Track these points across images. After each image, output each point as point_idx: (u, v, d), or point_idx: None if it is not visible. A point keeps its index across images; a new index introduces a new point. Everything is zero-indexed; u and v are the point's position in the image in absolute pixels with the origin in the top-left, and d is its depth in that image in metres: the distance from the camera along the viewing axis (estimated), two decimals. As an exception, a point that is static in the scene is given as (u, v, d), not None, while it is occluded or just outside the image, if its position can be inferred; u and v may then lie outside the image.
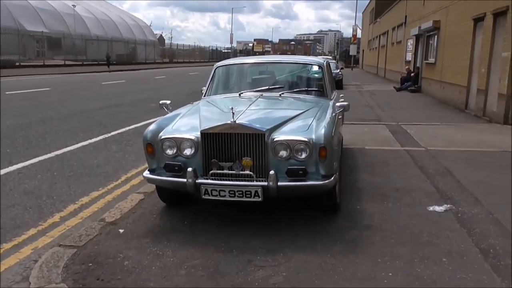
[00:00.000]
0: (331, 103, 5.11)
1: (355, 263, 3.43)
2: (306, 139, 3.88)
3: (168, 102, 5.09)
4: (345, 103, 4.85)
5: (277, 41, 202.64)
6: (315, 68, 5.65)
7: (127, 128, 9.67)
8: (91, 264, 3.44)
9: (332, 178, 3.95)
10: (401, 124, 10.57)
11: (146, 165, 6.92)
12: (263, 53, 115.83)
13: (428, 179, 5.78)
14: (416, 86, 20.07)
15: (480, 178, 5.80)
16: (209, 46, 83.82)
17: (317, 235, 3.96)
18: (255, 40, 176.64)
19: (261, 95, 5.09)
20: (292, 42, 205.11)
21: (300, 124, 4.21)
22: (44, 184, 5.64)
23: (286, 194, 3.97)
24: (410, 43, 23.09)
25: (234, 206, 4.46)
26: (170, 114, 4.74)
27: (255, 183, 3.88)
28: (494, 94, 11.03)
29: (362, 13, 58.60)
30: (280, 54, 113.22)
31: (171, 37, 79.47)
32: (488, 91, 11.55)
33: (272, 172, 3.81)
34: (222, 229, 4.10)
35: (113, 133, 9.10)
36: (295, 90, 5.35)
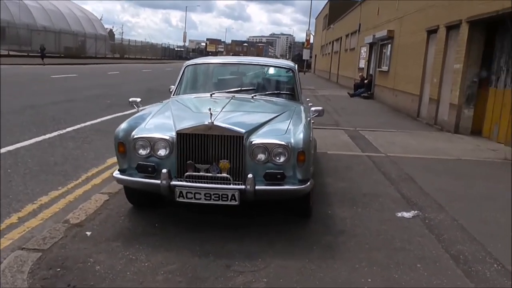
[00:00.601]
0: (302, 107, 5.12)
1: (333, 268, 3.43)
2: (284, 143, 3.85)
3: (139, 99, 4.91)
4: (320, 108, 4.88)
5: (230, 41, 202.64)
6: (287, 71, 5.64)
7: (83, 125, 9.27)
8: (59, 269, 3.24)
9: (309, 182, 3.94)
10: (358, 129, 10.80)
11: (107, 163, 6.87)
12: (216, 53, 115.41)
13: (392, 184, 5.91)
14: (369, 92, 20.65)
15: (440, 185, 6.00)
16: (162, 43, 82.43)
17: (293, 239, 3.94)
18: (207, 39, 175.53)
19: (233, 96, 5.00)
20: (245, 44, 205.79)
21: (277, 127, 4.18)
22: (-2, 182, 5.29)
23: (262, 198, 3.92)
24: (364, 50, 23.74)
25: (205, 209, 4.34)
26: (141, 113, 4.56)
27: (232, 186, 3.80)
28: (446, 103, 11.51)
29: (316, 18, 59.70)
30: (232, 55, 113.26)
31: (122, 32, 77.43)
32: (440, 101, 12.05)
33: (250, 175, 3.75)
34: (196, 232, 3.99)
35: (68, 129, 8.69)
36: (267, 93, 5.31)
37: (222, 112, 4.15)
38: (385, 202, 5.12)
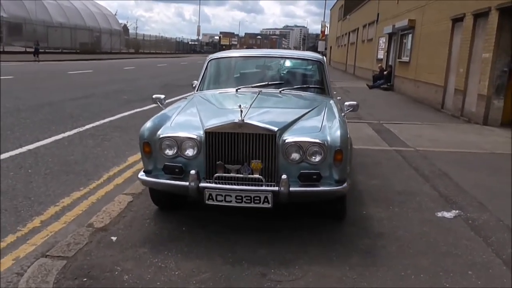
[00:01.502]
0: (333, 101, 4.85)
1: (377, 276, 3.18)
2: (320, 141, 3.59)
3: (162, 96, 4.70)
4: (354, 102, 4.60)
5: (243, 35, 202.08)
6: (315, 63, 5.35)
7: (102, 122, 9.12)
8: (85, 279, 3.05)
9: (346, 183, 3.69)
10: (382, 122, 10.47)
11: (128, 162, 6.69)
12: (229, 46, 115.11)
13: (427, 181, 5.62)
14: (388, 84, 20.20)
15: (477, 181, 5.69)
16: (175, 38, 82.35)
17: (329, 244, 3.69)
18: (221, 33, 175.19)
19: (260, 91, 4.75)
20: (259, 36, 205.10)
21: (310, 124, 3.92)
22: (19, 183, 5.13)
23: (297, 200, 3.69)
24: (382, 41, 23.23)
25: (233, 211, 4.11)
26: (165, 110, 4.34)
27: (265, 188, 3.57)
28: (473, 94, 11.10)
29: (330, 10, 58.90)
30: (246, 47, 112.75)
31: (136, 27, 77.19)
32: (466, 92, 11.63)
33: (284, 176, 3.51)
34: (225, 236, 3.77)
35: (87, 126, 8.54)
36: (295, 87, 5.05)
37: (251, 108, 3.90)
38: (422, 201, 4.84)
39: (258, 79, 5.16)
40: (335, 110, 4.37)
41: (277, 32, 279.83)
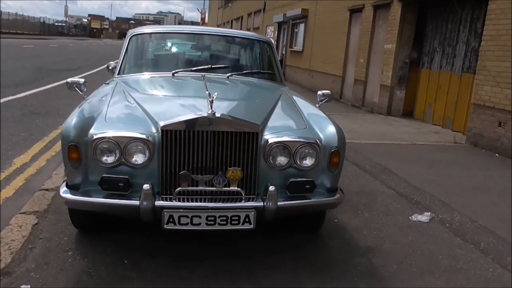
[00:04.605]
0: (290, 90, 4.08)
1: (400, 310, 2.54)
2: (313, 141, 2.83)
3: (82, 80, 3.50)
4: (327, 91, 3.90)
5: (115, 19, 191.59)
6: (264, 45, 4.52)
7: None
8: None
9: (339, 192, 3.00)
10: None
11: (15, 165, 5.19)
12: (101, 30, 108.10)
13: (375, 178, 5.20)
14: (279, 73, 20.10)
15: (421, 176, 5.41)
16: (39, 17, 74.37)
17: (319, 265, 2.98)
18: (90, 15, 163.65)
19: (204, 76, 3.79)
20: (132, 21, 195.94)
21: (290, 119, 3.15)
22: None
23: (283, 216, 2.89)
24: (271, 29, 23.14)
25: (184, 233, 3.11)
26: (90, 100, 3.19)
27: (245, 204, 2.71)
28: (375, 85, 11.24)
29: (210, -4, 58.01)
30: (119, 32, 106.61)
31: (-11, 3, 67.67)
32: (367, 82, 11.77)
33: (272, 188, 2.68)
34: (187, 269, 2.83)
35: None
36: (244, 72, 4.18)
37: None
38: (386, 202, 4.37)
39: (197, 62, 4.19)
40: (305, 101, 3.63)
41: (151, 17, 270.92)
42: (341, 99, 13.32)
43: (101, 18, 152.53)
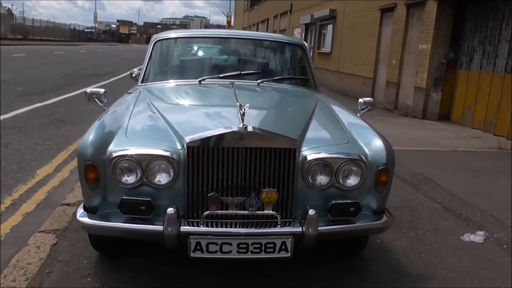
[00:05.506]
0: (326, 97, 3.74)
1: None
2: (358, 157, 2.49)
3: (102, 91, 3.25)
4: (369, 99, 3.55)
5: (142, 24, 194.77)
6: (297, 48, 4.20)
7: (-7, 121, 7.17)
8: None
9: (384, 214, 2.65)
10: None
11: (38, 176, 5.02)
12: (129, 35, 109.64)
13: (416, 190, 4.81)
14: (307, 76, 19.72)
15: (468, 187, 4.99)
16: (70, 24, 75.96)
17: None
18: (118, 21, 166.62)
19: (233, 83, 3.50)
20: (159, 26, 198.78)
21: (330, 132, 2.82)
22: None
23: (324, 242, 2.57)
24: (297, 31, 22.78)
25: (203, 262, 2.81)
26: (110, 113, 2.93)
27: (282, 229, 2.39)
28: (409, 87, 10.75)
29: (235, 0, 58.02)
30: (146, 37, 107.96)
31: (23, 11, 69.61)
32: (400, 84, 11.28)
33: (312, 211, 2.36)
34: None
35: (-28, 127, 6.60)
36: (276, 78, 3.86)
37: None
38: (432, 219, 3.97)
39: (224, 68, 3.91)
40: (344, 109, 3.30)
41: (177, 22, 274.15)
42: (372, 102, 12.83)
43: (129, 23, 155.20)
